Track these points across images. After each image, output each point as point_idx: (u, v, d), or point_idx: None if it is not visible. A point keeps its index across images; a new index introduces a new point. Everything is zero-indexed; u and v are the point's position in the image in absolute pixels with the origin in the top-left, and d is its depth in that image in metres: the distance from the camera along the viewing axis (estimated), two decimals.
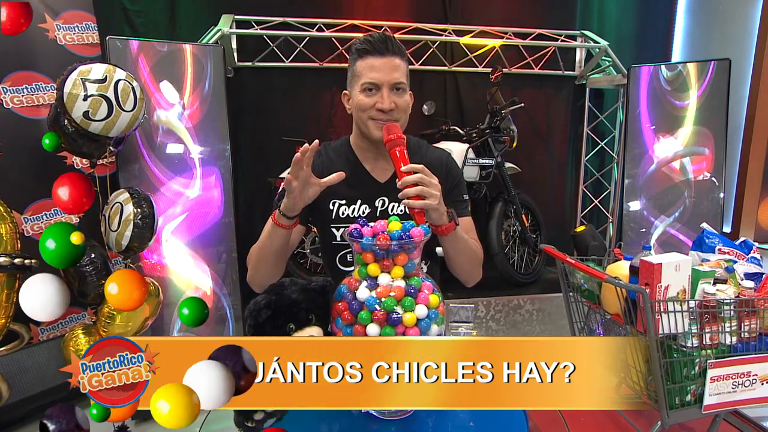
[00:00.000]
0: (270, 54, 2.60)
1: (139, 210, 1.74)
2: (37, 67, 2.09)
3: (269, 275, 1.11)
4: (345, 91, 1.16)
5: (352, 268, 1.16)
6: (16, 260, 1.58)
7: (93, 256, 1.75)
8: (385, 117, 1.07)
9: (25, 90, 2.09)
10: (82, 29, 2.23)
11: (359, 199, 1.15)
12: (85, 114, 1.60)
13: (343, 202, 1.15)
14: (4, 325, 1.58)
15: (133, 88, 1.67)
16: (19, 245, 1.66)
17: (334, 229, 1.16)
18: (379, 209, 1.15)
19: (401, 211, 1.15)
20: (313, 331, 0.77)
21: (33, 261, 1.64)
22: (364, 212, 1.15)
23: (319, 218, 1.18)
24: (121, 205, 1.78)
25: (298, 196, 0.96)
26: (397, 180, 0.96)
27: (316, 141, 0.95)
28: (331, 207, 1.15)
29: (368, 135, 1.11)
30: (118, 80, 1.64)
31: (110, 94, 1.61)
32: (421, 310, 0.77)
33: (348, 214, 1.15)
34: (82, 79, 1.58)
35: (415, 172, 0.94)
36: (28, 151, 2.11)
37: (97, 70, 1.62)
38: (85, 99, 1.58)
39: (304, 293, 0.77)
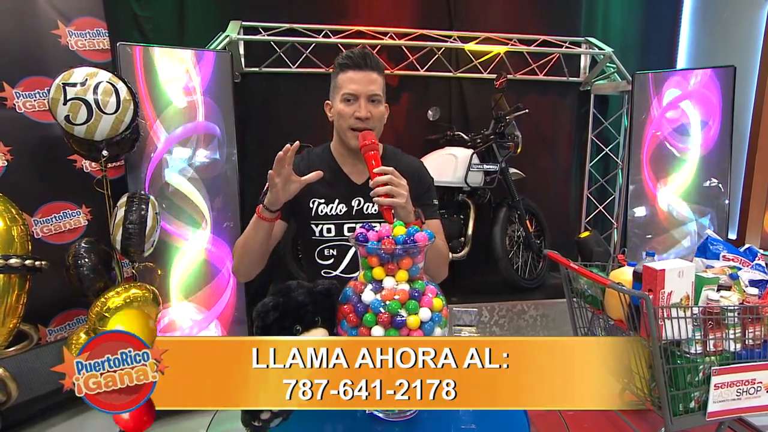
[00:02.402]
0: (277, 60, 2.63)
1: (129, 215, 1.76)
2: (49, 73, 2.13)
3: (252, 266, 1.20)
4: (327, 101, 1.28)
5: (329, 262, 1.26)
6: (27, 262, 1.61)
7: (92, 256, 1.78)
8: (361, 125, 1.17)
9: (37, 95, 2.13)
10: (93, 35, 2.28)
11: (337, 199, 1.24)
12: (67, 118, 1.61)
13: (323, 201, 1.24)
14: (15, 326, 1.61)
15: (116, 90, 1.65)
16: (29, 247, 1.69)
17: (313, 225, 1.25)
18: (354, 208, 1.24)
19: (375, 210, 1.22)
20: (319, 333, 0.78)
21: (43, 263, 1.67)
22: (341, 211, 1.24)
23: (300, 215, 1.26)
24: (117, 209, 1.81)
25: (280, 191, 1.05)
26: (370, 181, 1.06)
27: (297, 142, 1.04)
28: (311, 205, 1.24)
29: (347, 143, 1.21)
30: (99, 82, 1.63)
31: (89, 97, 1.62)
32: (424, 313, 0.79)
33: (326, 212, 1.24)
34: (63, 83, 1.60)
35: (385, 174, 1.04)
36: (40, 155, 2.15)
37: (79, 73, 1.63)
38: (65, 103, 1.60)
39: (311, 296, 0.79)
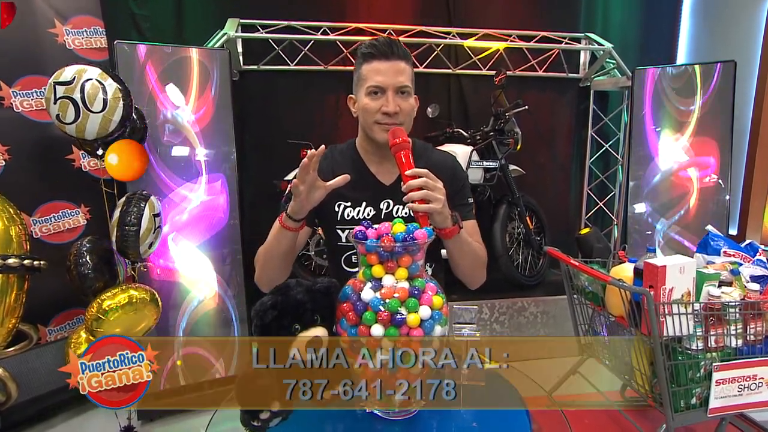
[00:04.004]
0: (275, 57, 2.62)
1: (126, 216, 1.74)
2: (46, 71, 2.11)
3: (276, 275, 1.12)
4: (351, 95, 1.18)
5: (356, 270, 1.18)
6: (26, 261, 1.60)
7: (93, 255, 1.77)
8: (389, 120, 1.08)
9: (34, 94, 2.12)
10: (90, 34, 2.26)
11: (364, 201, 1.16)
12: (57, 117, 1.59)
13: (349, 204, 1.16)
14: (14, 326, 1.60)
15: (103, 88, 1.61)
16: (28, 247, 1.68)
17: (339, 231, 1.17)
18: (383, 211, 1.16)
19: (405, 213, 1.16)
20: (319, 332, 0.77)
21: (42, 262, 1.66)
22: (368, 214, 1.16)
23: (325, 220, 1.19)
24: (116, 209, 1.80)
25: (304, 200, 0.98)
26: (402, 183, 0.97)
27: (323, 146, 0.96)
28: (336, 209, 1.16)
29: (374, 138, 1.12)
30: (87, 80, 1.59)
31: (76, 96, 1.58)
32: (424, 311, 0.78)
33: (353, 216, 1.16)
34: (54, 82, 1.58)
35: (419, 177, 0.95)
36: (38, 154, 2.14)
37: (69, 72, 1.61)
38: (55, 102, 1.58)
39: (310, 294, 0.78)
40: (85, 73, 1.61)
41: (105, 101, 1.63)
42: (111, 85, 1.65)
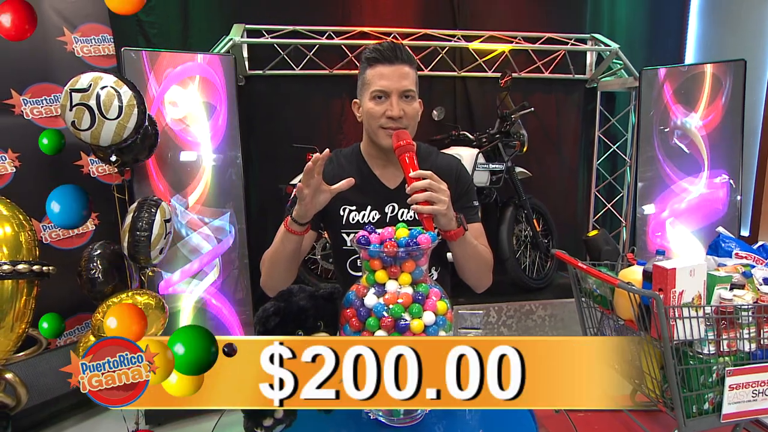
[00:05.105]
0: (280, 62, 2.63)
1: (137, 222, 1.75)
2: (55, 79, 2.15)
3: (282, 280, 1.13)
4: (355, 100, 1.18)
5: (362, 273, 1.18)
6: (35, 267, 1.61)
7: (104, 260, 1.78)
8: (394, 124, 1.08)
9: (44, 101, 2.16)
10: (98, 41, 2.30)
11: (369, 205, 1.16)
12: (73, 124, 1.62)
13: (354, 208, 1.16)
14: (24, 331, 1.62)
15: (118, 95, 1.64)
16: (37, 252, 1.70)
17: (344, 235, 1.17)
18: (388, 215, 1.16)
19: (411, 217, 1.15)
20: None
21: (51, 268, 1.68)
22: (374, 218, 1.16)
23: (330, 224, 1.19)
24: (127, 214, 1.81)
25: (309, 204, 0.98)
26: (406, 186, 0.97)
27: (327, 150, 0.96)
28: (341, 213, 1.16)
29: (378, 143, 1.12)
30: (103, 87, 1.61)
31: (92, 103, 1.60)
32: (428, 317, 0.78)
33: (358, 220, 1.16)
34: (69, 89, 1.61)
35: (423, 178, 0.95)
36: (47, 161, 2.17)
37: (85, 79, 1.63)
38: (70, 109, 1.60)
39: (313, 300, 0.78)
40: (100, 80, 1.64)
41: (120, 108, 1.65)
42: (126, 93, 1.68)
